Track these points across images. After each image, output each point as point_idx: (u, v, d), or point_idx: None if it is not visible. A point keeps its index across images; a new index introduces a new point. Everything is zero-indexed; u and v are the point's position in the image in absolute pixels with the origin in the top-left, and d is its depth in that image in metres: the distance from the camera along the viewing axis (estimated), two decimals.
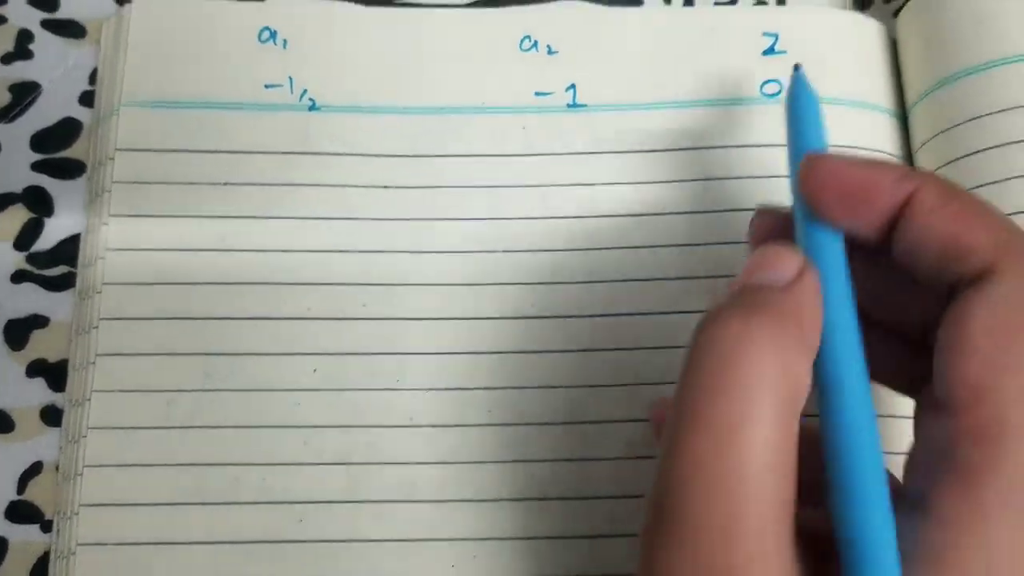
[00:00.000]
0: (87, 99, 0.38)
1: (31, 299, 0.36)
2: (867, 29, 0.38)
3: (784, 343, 0.22)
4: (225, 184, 0.36)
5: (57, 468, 0.34)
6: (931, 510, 0.21)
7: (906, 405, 0.26)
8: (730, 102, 0.37)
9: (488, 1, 0.39)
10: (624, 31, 0.38)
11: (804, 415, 0.23)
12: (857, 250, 0.26)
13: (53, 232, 0.37)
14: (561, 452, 0.34)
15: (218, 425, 0.34)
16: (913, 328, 0.25)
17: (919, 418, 0.24)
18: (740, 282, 0.25)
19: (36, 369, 0.35)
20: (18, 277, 0.36)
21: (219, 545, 0.33)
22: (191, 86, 0.37)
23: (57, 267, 0.36)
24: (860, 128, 0.37)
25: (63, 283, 0.36)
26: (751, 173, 0.36)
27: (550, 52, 0.38)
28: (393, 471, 0.34)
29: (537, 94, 0.38)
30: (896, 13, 0.38)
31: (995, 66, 0.34)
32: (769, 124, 0.37)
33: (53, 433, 0.35)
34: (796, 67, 0.30)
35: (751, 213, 0.35)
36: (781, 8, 0.39)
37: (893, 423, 0.32)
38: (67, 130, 0.38)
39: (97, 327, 0.35)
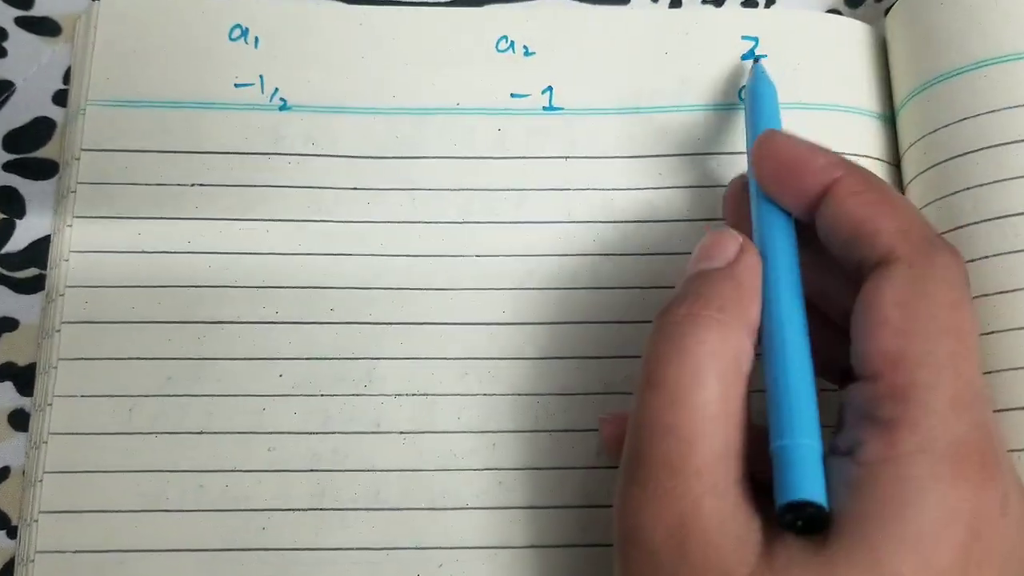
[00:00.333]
0: (61, 98, 0.38)
1: (1, 301, 0.36)
2: (853, 32, 0.37)
3: (723, 319, 0.26)
4: (193, 185, 0.36)
5: (24, 473, 0.34)
6: (856, 456, 0.24)
7: None
8: (709, 107, 0.37)
9: (465, 0, 0.38)
10: (602, 33, 0.38)
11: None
12: (806, 244, 0.29)
13: (24, 234, 0.36)
14: (530, 460, 0.33)
15: (181, 431, 0.33)
16: (843, 317, 0.28)
17: (844, 396, 0.27)
18: (689, 270, 0.29)
19: (4, 373, 0.35)
20: None
21: (181, 553, 0.32)
22: (159, 84, 0.36)
23: (28, 269, 0.36)
24: (843, 133, 0.36)
25: (33, 286, 0.36)
26: (729, 178, 0.35)
27: (527, 53, 0.37)
28: (359, 478, 0.33)
29: (513, 96, 0.37)
30: (887, 12, 0.37)
31: (985, 66, 0.33)
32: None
33: (21, 438, 0.34)
34: (756, 59, 0.33)
35: None
36: (764, 11, 0.39)
37: None
38: (40, 130, 0.37)
39: (60, 330, 0.34)
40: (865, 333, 0.25)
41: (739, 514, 0.25)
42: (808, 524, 0.24)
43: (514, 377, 0.34)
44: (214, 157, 0.36)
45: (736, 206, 0.31)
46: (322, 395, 0.34)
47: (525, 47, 0.37)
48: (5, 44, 0.38)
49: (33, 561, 0.32)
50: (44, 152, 0.37)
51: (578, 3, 0.38)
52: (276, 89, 0.37)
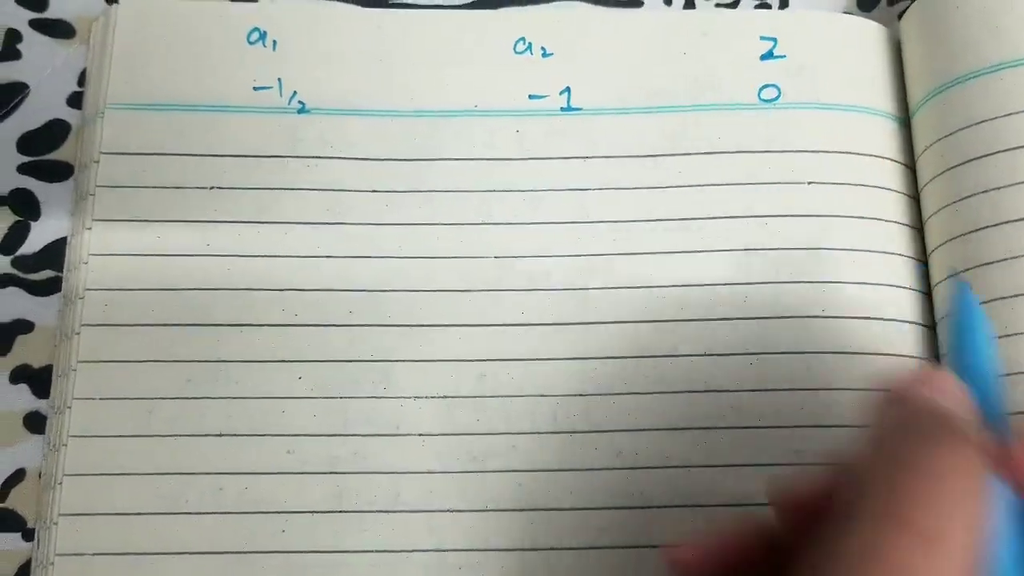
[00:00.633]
0: (75, 100, 0.38)
1: (16, 304, 0.36)
2: (869, 33, 0.38)
3: (981, 471, 0.23)
4: (212, 188, 0.36)
5: (40, 476, 0.34)
6: None
7: None
8: (727, 107, 0.37)
9: (483, 2, 0.39)
10: (620, 33, 0.38)
11: None
12: None
13: (39, 236, 0.36)
14: (549, 462, 0.33)
15: (200, 433, 0.33)
16: None
17: None
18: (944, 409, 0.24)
19: (20, 375, 0.35)
20: (3, 281, 0.36)
21: (200, 556, 0.32)
22: (178, 88, 0.37)
23: (43, 271, 0.36)
24: (861, 134, 0.36)
25: (49, 288, 0.36)
26: (746, 180, 0.36)
27: (545, 55, 0.37)
28: (378, 480, 0.33)
29: (531, 97, 0.37)
30: (901, 15, 0.37)
31: (1002, 69, 0.33)
32: (766, 130, 0.36)
33: (36, 440, 0.34)
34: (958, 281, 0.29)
35: (744, 219, 0.35)
36: (781, 12, 0.39)
37: None
38: (55, 132, 0.37)
39: (79, 333, 0.34)
40: None
41: None
42: None
43: (532, 378, 0.34)
44: (232, 160, 0.36)
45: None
46: (341, 397, 0.34)
47: (543, 48, 0.37)
48: (20, 46, 0.38)
49: (53, 564, 0.32)
50: (59, 154, 0.37)
51: (594, 5, 0.39)
52: (294, 92, 0.37)
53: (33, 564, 0.33)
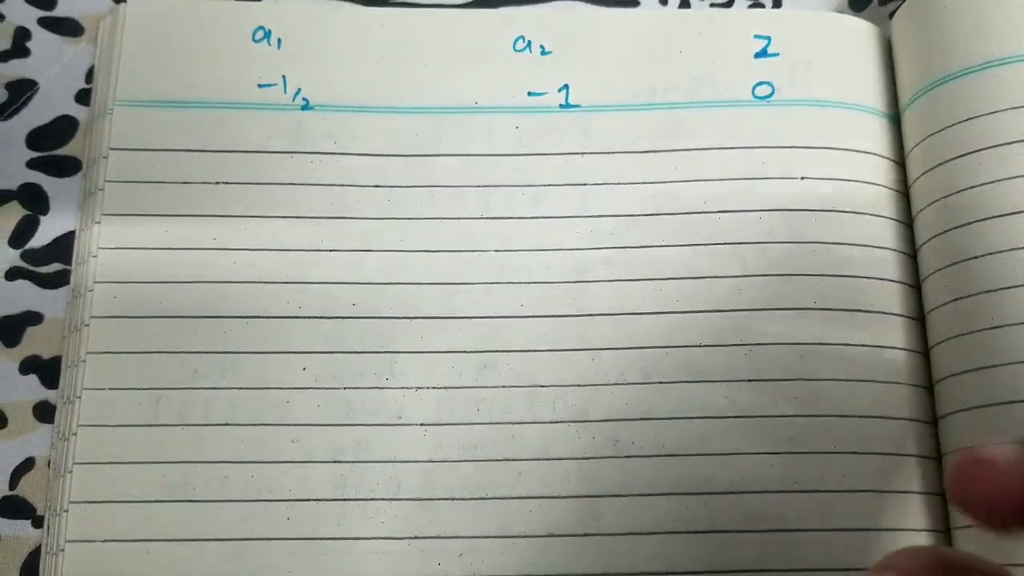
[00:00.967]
0: (83, 97, 0.38)
1: (25, 296, 0.36)
2: (860, 32, 0.38)
3: None
4: (218, 183, 0.36)
5: (49, 464, 0.34)
6: None
7: None
8: (722, 104, 0.37)
9: (483, 1, 0.39)
10: (617, 32, 0.38)
11: None
12: None
13: (48, 230, 0.37)
14: (547, 451, 0.34)
15: (207, 423, 0.34)
16: None
17: None
18: None
19: (29, 366, 0.36)
20: (12, 274, 0.36)
21: (207, 542, 0.33)
22: (185, 85, 0.37)
23: (51, 264, 0.37)
24: (852, 130, 0.37)
25: (57, 280, 0.36)
26: (741, 174, 0.36)
27: (543, 53, 0.38)
28: (381, 469, 0.34)
29: (530, 94, 0.38)
30: (892, 15, 0.38)
31: (990, 67, 0.34)
32: (760, 126, 0.37)
33: (45, 429, 0.35)
34: None
35: (741, 213, 0.35)
36: (774, 11, 0.40)
37: None
38: (63, 128, 0.38)
39: (88, 325, 0.35)
40: None
41: None
42: None
43: (531, 369, 0.35)
44: (238, 156, 0.37)
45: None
46: (344, 388, 0.34)
47: (542, 47, 0.38)
48: (28, 44, 0.39)
49: (63, 550, 0.33)
50: (67, 150, 0.38)
51: (592, 5, 0.39)
52: (298, 89, 0.37)
53: (43, 551, 0.33)
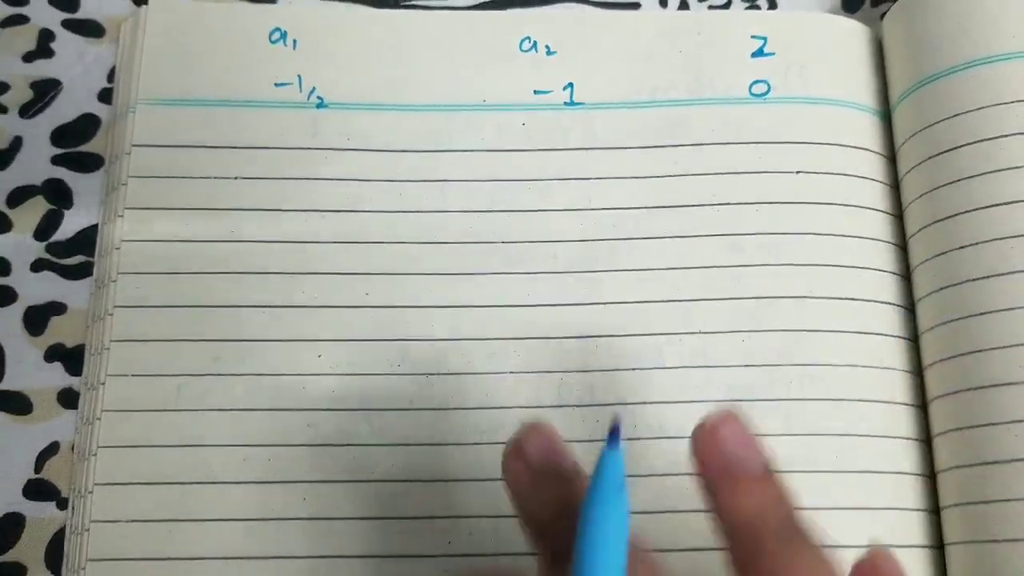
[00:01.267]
0: (105, 96, 0.40)
1: (50, 287, 0.37)
2: (853, 32, 0.40)
3: None
4: (236, 178, 0.37)
5: (73, 448, 0.36)
6: None
7: None
8: (720, 101, 0.39)
9: (491, 3, 0.41)
10: (619, 33, 0.40)
11: None
12: None
13: (71, 223, 0.38)
14: None
15: (226, 408, 0.35)
16: None
17: None
18: None
19: (54, 354, 0.37)
20: (37, 266, 0.38)
21: (226, 522, 0.34)
22: (204, 84, 0.38)
23: (75, 256, 0.38)
24: (845, 127, 0.38)
25: (80, 272, 0.38)
26: (738, 169, 0.38)
27: (549, 53, 0.39)
28: (393, 452, 0.35)
29: (536, 92, 0.39)
30: (883, 17, 0.39)
31: (975, 66, 0.35)
32: (756, 123, 0.38)
33: (69, 415, 0.36)
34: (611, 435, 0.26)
35: (739, 206, 0.37)
36: (770, 12, 0.41)
37: None
38: (86, 125, 0.39)
39: (112, 314, 0.36)
40: None
41: None
42: None
43: (538, 356, 0.36)
44: (255, 152, 0.38)
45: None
46: (358, 374, 0.36)
47: (547, 47, 0.39)
48: (53, 45, 0.40)
49: (88, 530, 0.34)
50: (90, 147, 0.39)
51: (595, 7, 0.41)
52: (313, 88, 0.39)
53: (68, 531, 0.35)
